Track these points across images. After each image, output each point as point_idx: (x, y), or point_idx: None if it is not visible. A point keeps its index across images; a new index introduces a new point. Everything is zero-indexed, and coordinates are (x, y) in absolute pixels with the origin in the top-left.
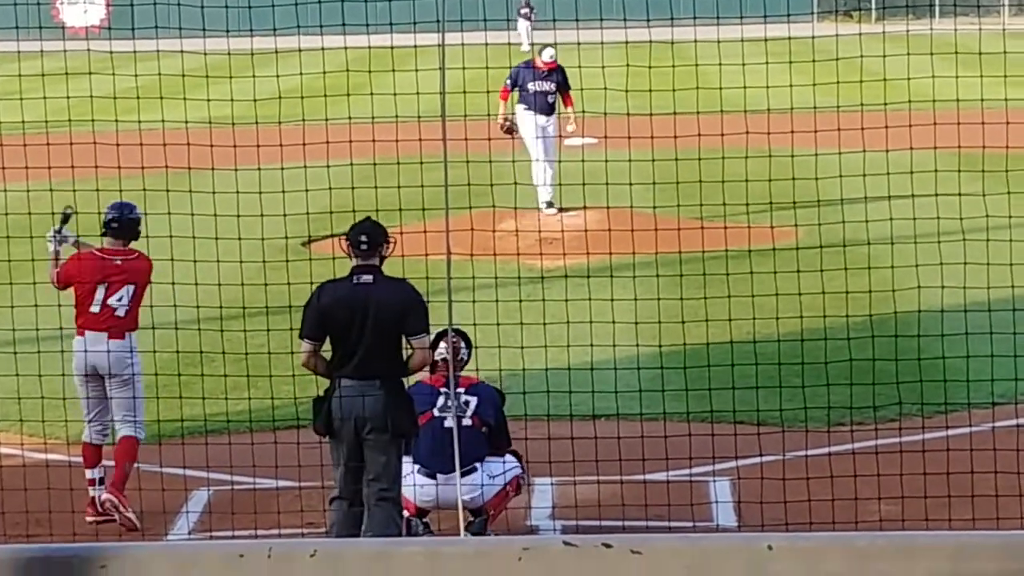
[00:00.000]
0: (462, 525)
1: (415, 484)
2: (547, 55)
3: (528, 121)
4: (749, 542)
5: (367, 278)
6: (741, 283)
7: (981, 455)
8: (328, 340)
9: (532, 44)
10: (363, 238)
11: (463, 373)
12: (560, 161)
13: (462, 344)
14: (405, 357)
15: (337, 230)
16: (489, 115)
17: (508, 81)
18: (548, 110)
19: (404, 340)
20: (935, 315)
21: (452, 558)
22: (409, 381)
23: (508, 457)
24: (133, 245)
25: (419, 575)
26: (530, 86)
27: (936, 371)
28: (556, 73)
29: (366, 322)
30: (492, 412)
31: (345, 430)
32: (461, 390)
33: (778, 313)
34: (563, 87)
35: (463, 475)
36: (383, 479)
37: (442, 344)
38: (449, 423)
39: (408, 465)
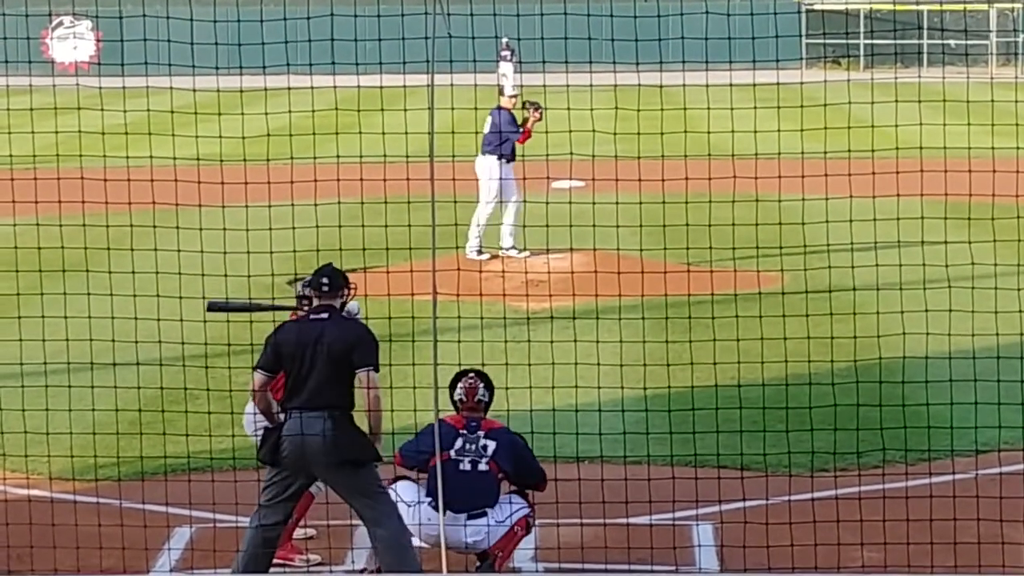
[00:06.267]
0: (445, 565)
1: (421, 520)
2: (510, 93)
3: (495, 166)
4: None
5: (323, 315)
6: (727, 327)
7: (964, 502)
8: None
9: (521, 88)
10: (324, 280)
11: (486, 416)
12: (547, 203)
13: (480, 385)
14: (356, 398)
15: None
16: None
17: (518, 126)
18: (513, 154)
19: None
20: (920, 362)
21: None
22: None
23: (515, 498)
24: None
25: None
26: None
27: (920, 418)
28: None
29: (316, 355)
30: (510, 460)
31: (289, 460)
32: (481, 433)
33: (763, 358)
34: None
35: (472, 518)
36: (366, 504)
37: (459, 385)
38: (464, 467)
39: (416, 492)
